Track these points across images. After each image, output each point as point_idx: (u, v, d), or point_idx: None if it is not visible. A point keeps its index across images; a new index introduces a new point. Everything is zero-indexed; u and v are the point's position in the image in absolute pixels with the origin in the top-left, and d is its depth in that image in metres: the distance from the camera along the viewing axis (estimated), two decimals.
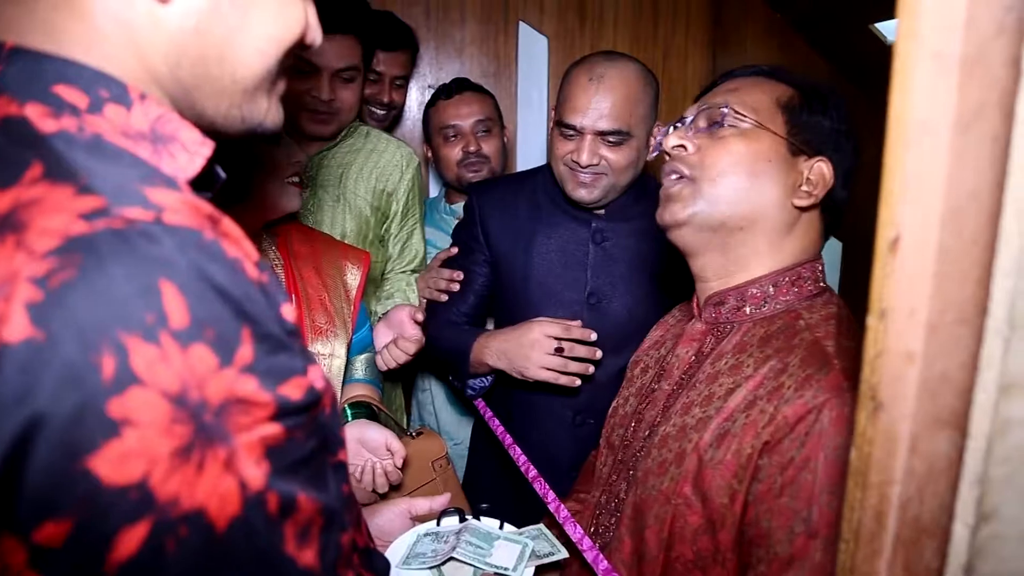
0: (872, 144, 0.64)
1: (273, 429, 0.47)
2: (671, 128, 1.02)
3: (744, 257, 0.96)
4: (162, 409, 0.42)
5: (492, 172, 1.96)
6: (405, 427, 1.61)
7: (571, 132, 1.48)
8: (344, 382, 1.44)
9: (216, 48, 0.55)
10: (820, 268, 0.99)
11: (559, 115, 1.51)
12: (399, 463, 1.30)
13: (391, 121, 2.18)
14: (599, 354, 1.45)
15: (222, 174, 0.62)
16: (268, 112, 0.63)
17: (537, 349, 1.42)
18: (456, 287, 1.70)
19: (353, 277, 1.46)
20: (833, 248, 2.85)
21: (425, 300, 1.80)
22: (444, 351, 1.65)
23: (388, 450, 1.30)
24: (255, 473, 0.46)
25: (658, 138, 1.08)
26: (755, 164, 0.93)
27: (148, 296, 0.42)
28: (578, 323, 1.46)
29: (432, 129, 2.00)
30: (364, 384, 1.50)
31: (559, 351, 1.41)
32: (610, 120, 1.44)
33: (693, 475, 0.88)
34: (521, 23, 2.59)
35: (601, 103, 1.44)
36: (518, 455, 1.38)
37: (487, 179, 1.91)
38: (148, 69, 0.54)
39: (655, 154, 1.08)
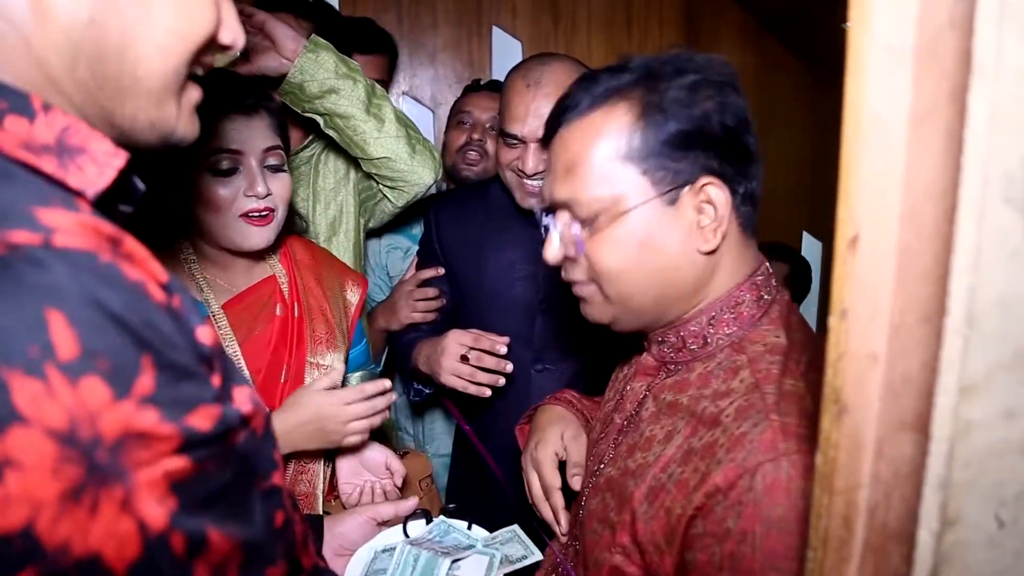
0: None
1: (179, 462, 0.44)
2: (543, 233, 0.92)
3: (675, 313, 0.88)
4: (48, 448, 0.39)
5: (487, 171, 1.97)
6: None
7: (514, 141, 1.46)
8: None
9: (114, 43, 0.51)
10: (761, 279, 0.87)
11: (501, 124, 1.51)
12: (399, 482, 1.28)
13: None
14: (509, 367, 1.46)
15: (140, 186, 0.58)
16: (179, 120, 0.58)
17: (447, 356, 1.44)
18: (434, 304, 1.71)
19: (353, 294, 1.45)
20: (814, 248, 2.86)
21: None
22: (399, 354, 1.70)
23: (387, 469, 1.28)
24: (157, 512, 0.43)
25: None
26: (640, 246, 0.82)
27: (32, 327, 0.39)
28: (505, 339, 1.46)
29: (450, 118, 2.08)
30: None
31: (464, 359, 1.43)
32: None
33: (630, 526, 0.83)
34: (494, 27, 2.59)
35: (540, 109, 1.41)
36: (490, 461, 1.38)
37: (445, 191, 1.92)
38: (44, 70, 0.50)
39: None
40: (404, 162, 1.59)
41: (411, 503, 1.09)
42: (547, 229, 0.90)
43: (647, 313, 0.87)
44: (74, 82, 0.52)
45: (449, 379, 1.44)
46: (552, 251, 0.89)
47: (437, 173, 1.65)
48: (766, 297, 0.87)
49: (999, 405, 0.36)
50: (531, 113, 1.42)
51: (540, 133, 1.40)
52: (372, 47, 2.03)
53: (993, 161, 0.35)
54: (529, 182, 1.48)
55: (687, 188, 0.80)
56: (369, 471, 1.29)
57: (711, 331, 0.86)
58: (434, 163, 1.64)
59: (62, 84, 0.51)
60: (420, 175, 1.62)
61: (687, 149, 0.80)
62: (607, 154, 0.81)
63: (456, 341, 1.44)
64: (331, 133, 1.57)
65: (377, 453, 1.28)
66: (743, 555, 0.71)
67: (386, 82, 2.16)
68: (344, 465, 1.29)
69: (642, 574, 0.82)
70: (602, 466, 0.94)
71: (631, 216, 0.81)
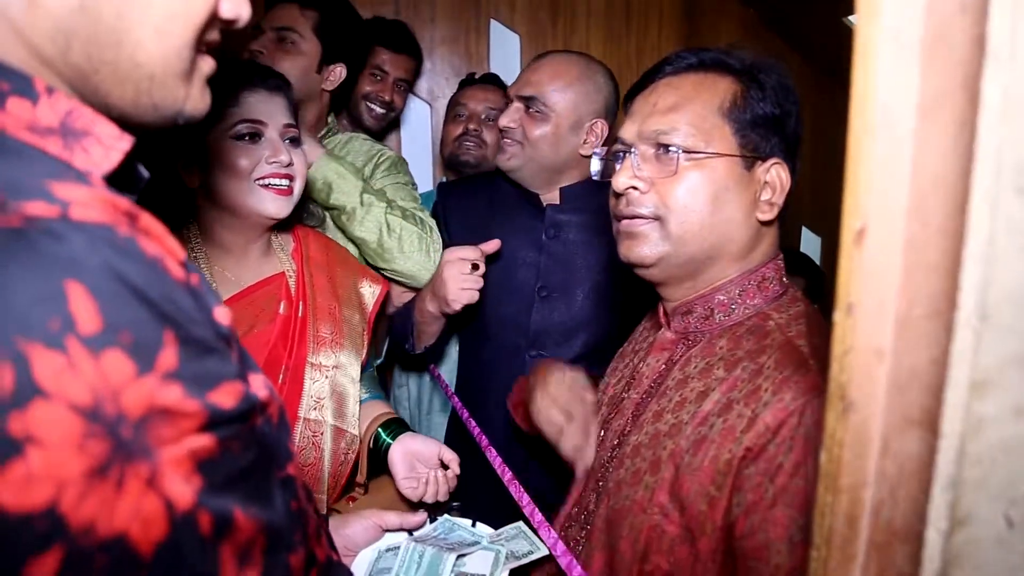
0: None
1: (204, 440, 0.43)
2: (617, 160, 0.98)
3: (711, 276, 0.96)
4: (72, 424, 0.38)
5: (486, 159, 2.01)
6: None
7: (508, 101, 1.62)
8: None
9: (109, 29, 0.49)
10: (781, 265, 0.98)
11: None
12: (457, 469, 1.31)
13: (387, 123, 2.18)
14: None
15: (144, 173, 0.57)
16: (188, 99, 0.56)
17: (452, 273, 1.47)
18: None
19: (370, 291, 1.43)
20: (814, 243, 2.85)
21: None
22: (399, 319, 1.71)
23: (440, 459, 1.30)
24: (184, 490, 0.42)
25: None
26: (715, 195, 0.91)
27: (51, 299, 0.38)
28: (496, 242, 1.53)
29: (447, 112, 2.14)
30: (377, 401, 1.46)
31: (475, 268, 1.48)
32: (531, 87, 1.55)
33: (670, 483, 0.86)
34: (493, 21, 2.57)
35: (531, 74, 1.57)
36: (494, 457, 1.36)
37: (453, 180, 1.95)
38: (36, 54, 0.49)
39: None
40: (388, 259, 1.63)
41: (419, 518, 1.09)
42: (619, 156, 0.98)
43: (694, 260, 0.94)
44: (69, 67, 0.50)
45: (461, 295, 1.46)
46: (625, 175, 0.95)
47: (428, 270, 1.63)
48: (785, 280, 0.98)
49: (1011, 401, 0.35)
50: (523, 76, 1.58)
51: (521, 91, 1.56)
52: (401, 46, 2.10)
53: (1007, 149, 0.34)
54: (503, 140, 1.60)
55: (761, 162, 0.93)
56: (422, 463, 1.30)
57: (739, 301, 0.95)
58: (427, 261, 1.63)
59: (58, 69, 0.50)
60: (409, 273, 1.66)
61: (771, 132, 0.93)
62: (714, 105, 0.93)
63: (458, 257, 1.48)
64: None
65: (424, 446, 1.30)
66: (797, 488, 0.75)
67: (410, 83, 2.20)
68: (399, 464, 1.29)
69: (680, 531, 0.85)
70: (624, 437, 0.98)
71: (714, 163, 0.91)
